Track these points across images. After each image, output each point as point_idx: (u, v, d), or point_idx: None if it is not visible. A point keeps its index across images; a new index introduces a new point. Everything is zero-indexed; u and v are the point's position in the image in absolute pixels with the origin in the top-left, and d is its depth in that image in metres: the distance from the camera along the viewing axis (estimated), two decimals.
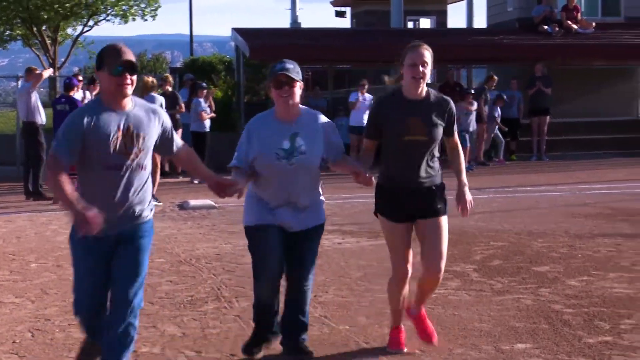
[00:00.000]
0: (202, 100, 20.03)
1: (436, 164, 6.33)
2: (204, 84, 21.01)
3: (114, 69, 5.29)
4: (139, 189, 5.47)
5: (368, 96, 21.46)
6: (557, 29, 26.37)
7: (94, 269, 5.47)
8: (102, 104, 5.41)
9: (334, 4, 37.28)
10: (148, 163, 5.53)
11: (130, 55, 5.36)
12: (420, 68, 6.15)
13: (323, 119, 6.28)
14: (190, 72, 24.95)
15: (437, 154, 6.33)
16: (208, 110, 20.14)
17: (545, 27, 26.43)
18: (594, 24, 26.78)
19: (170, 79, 19.71)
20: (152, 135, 5.51)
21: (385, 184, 6.37)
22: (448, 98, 6.42)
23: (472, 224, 11.85)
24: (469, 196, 6.38)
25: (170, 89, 19.00)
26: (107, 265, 5.48)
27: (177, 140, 5.82)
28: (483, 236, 11.42)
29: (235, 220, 13.21)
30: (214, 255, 10.52)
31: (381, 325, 7.11)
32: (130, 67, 5.32)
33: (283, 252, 6.16)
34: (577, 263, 9.69)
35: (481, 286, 8.64)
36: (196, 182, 18.70)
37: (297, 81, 6.05)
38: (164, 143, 5.67)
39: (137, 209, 5.48)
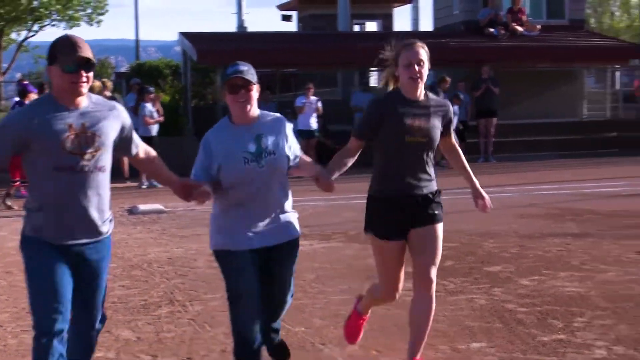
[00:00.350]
0: (148, 104, 19.85)
1: (432, 170, 6.00)
2: (151, 88, 20.89)
3: (67, 66, 4.75)
4: (97, 193, 4.94)
5: (314, 99, 21.53)
6: (502, 31, 26.59)
7: (54, 273, 4.87)
8: (54, 101, 4.88)
9: (280, 8, 37.25)
10: (107, 165, 5.00)
11: (86, 50, 4.79)
12: (417, 67, 5.77)
13: (282, 120, 5.78)
14: (137, 77, 24.77)
15: (432, 159, 6.00)
16: (155, 114, 19.97)
17: (491, 29, 26.65)
18: (539, 26, 27.05)
19: (109, 83, 19.63)
20: (109, 133, 4.99)
21: (377, 195, 5.93)
22: (447, 101, 6.16)
23: None
24: (485, 193, 6.30)
25: (109, 93, 18.87)
26: (68, 273, 4.94)
27: (137, 141, 5.36)
28: None
29: (185, 224, 13.18)
30: (165, 259, 10.46)
31: (337, 327, 7.10)
32: (86, 64, 4.79)
33: (258, 279, 5.57)
34: (528, 263, 9.77)
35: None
36: (144, 186, 18.63)
37: (254, 83, 5.53)
38: (122, 142, 5.16)
39: (96, 217, 4.97)
